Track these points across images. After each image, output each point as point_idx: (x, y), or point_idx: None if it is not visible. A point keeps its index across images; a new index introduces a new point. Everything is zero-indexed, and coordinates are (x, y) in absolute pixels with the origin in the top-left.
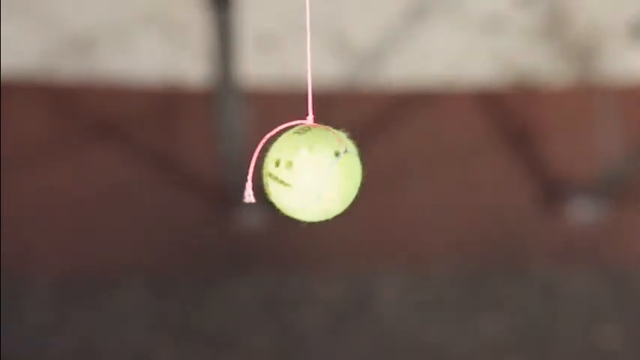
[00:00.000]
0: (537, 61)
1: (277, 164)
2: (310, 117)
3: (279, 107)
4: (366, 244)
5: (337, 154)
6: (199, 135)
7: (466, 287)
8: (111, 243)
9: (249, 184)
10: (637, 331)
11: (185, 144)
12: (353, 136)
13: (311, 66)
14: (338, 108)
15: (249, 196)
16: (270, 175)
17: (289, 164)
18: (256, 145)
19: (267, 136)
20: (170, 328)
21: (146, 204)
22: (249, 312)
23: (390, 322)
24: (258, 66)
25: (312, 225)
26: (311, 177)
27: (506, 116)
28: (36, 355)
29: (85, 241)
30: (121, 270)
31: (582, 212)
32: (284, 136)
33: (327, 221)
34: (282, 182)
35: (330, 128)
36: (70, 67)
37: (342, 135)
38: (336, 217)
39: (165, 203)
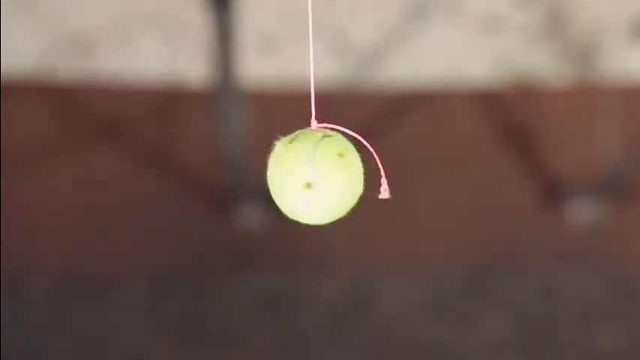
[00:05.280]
0: (537, 61)
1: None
2: (314, 122)
3: (279, 107)
4: (366, 244)
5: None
6: (199, 135)
7: (466, 287)
8: (111, 243)
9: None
10: (637, 331)
11: (185, 144)
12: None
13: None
14: (338, 108)
15: (385, 191)
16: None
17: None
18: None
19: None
20: (170, 328)
21: (146, 204)
22: (249, 312)
23: (390, 322)
24: (258, 66)
25: (312, 225)
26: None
27: (506, 116)
28: (36, 355)
29: (85, 240)
30: (121, 269)
31: (582, 212)
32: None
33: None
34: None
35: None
36: (70, 67)
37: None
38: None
39: (166, 203)
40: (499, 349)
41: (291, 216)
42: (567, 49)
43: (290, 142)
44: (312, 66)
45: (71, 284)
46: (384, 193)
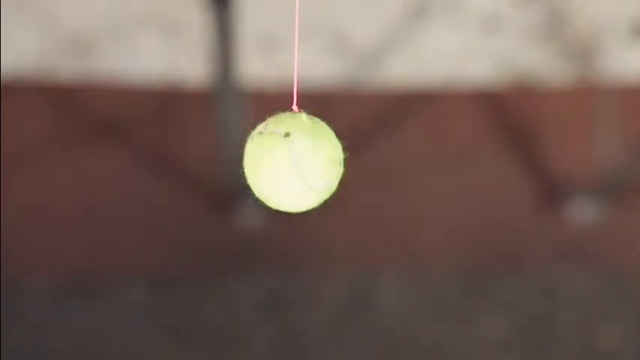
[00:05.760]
0: (537, 61)
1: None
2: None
3: (279, 107)
4: (366, 244)
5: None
6: (199, 135)
7: (466, 287)
8: (111, 243)
9: None
10: (637, 331)
11: (185, 144)
12: (353, 136)
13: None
14: (338, 108)
15: None
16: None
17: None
18: None
19: None
20: (170, 328)
21: (146, 204)
22: (249, 312)
23: (390, 321)
24: (258, 66)
25: (312, 225)
26: None
27: (507, 116)
28: (36, 355)
29: (85, 241)
30: (121, 270)
31: (582, 212)
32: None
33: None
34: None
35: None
36: (70, 67)
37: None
38: (337, 217)
39: (165, 203)
40: (499, 349)
41: (303, 196)
42: (567, 49)
43: (314, 119)
44: (296, 56)
45: (71, 284)
46: None
